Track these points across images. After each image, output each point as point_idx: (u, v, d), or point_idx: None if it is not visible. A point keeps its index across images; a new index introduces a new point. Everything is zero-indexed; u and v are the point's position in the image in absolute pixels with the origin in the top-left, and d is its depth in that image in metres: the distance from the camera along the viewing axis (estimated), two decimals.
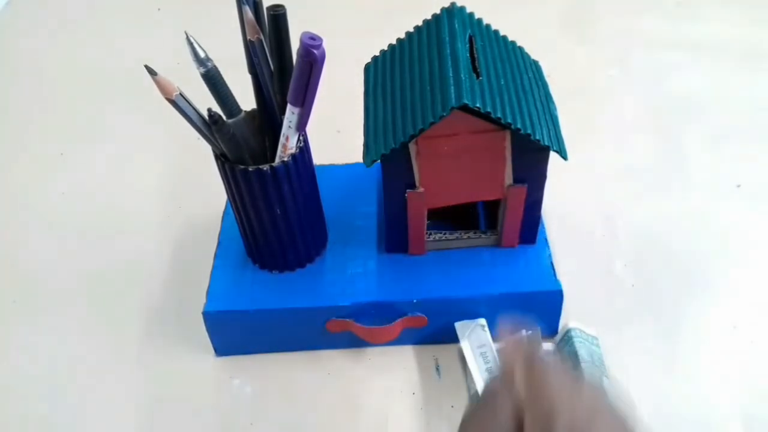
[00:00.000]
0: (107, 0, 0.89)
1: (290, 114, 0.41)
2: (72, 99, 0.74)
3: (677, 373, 0.47)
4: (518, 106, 0.42)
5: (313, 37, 0.37)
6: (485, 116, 0.40)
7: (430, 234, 0.49)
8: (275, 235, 0.46)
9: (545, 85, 0.47)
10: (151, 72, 0.37)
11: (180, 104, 0.39)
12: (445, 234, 0.49)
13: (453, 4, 0.46)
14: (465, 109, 0.39)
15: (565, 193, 0.54)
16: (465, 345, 0.46)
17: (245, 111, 0.43)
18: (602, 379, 0.41)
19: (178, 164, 0.65)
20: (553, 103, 0.46)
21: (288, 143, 0.43)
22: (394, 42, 0.48)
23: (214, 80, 0.40)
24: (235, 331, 0.48)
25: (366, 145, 0.44)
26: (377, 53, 0.49)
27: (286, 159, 0.43)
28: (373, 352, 0.50)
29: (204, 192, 0.57)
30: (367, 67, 0.49)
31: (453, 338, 0.47)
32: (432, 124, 0.40)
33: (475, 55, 0.43)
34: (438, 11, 0.46)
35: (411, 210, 0.46)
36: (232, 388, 0.48)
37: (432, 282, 0.48)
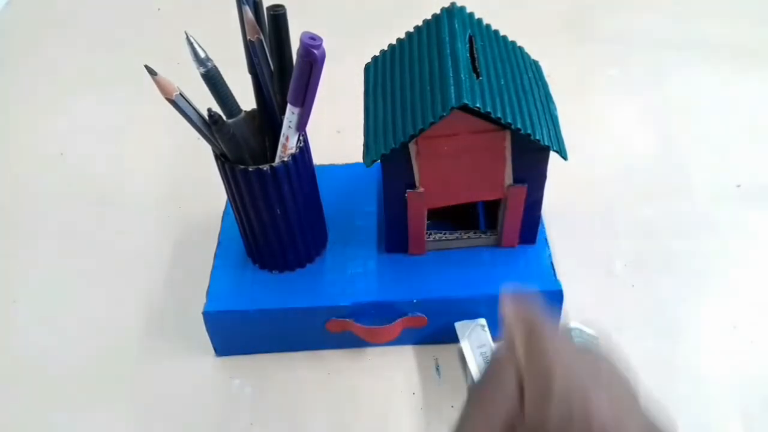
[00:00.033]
0: (107, 0, 0.89)
1: (290, 114, 0.41)
2: (72, 99, 0.74)
3: (677, 373, 0.47)
4: (518, 106, 0.42)
5: (313, 37, 0.37)
6: (485, 116, 0.40)
7: (430, 234, 0.49)
8: (275, 235, 0.46)
9: (545, 85, 0.47)
10: (151, 72, 0.37)
11: (180, 104, 0.39)
12: (445, 234, 0.49)
13: (453, 4, 0.46)
14: (465, 109, 0.39)
15: (565, 193, 0.54)
16: (465, 345, 0.46)
17: (245, 111, 0.43)
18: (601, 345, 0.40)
19: (178, 164, 0.65)
20: (553, 103, 0.46)
21: (288, 143, 0.43)
22: (394, 42, 0.48)
23: (214, 80, 0.40)
24: (235, 331, 0.48)
25: (366, 145, 0.44)
26: (377, 53, 0.49)
27: (286, 159, 0.43)
28: (373, 352, 0.50)
29: (204, 192, 0.57)
30: (367, 67, 0.49)
31: (453, 338, 0.47)
32: (432, 124, 0.40)
33: (475, 55, 0.43)
34: (438, 11, 0.46)
35: (411, 210, 0.46)
36: (232, 388, 0.48)
37: (432, 282, 0.48)
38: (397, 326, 0.47)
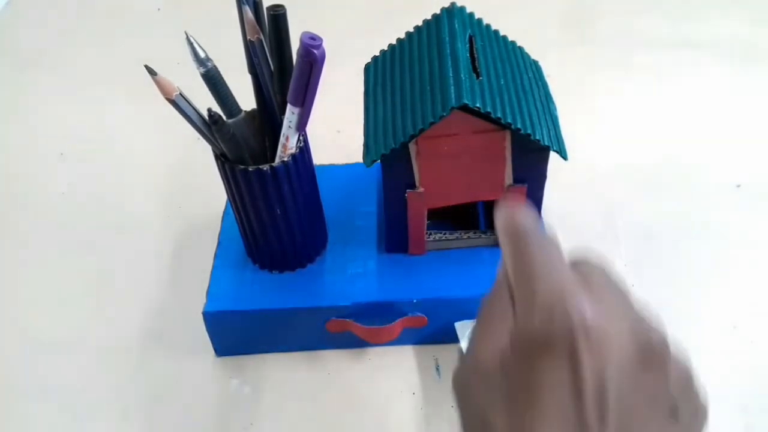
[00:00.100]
0: (107, 0, 0.89)
1: (290, 114, 0.41)
2: (72, 98, 0.74)
3: None
4: (518, 106, 0.42)
5: (313, 37, 0.37)
6: (485, 116, 0.40)
7: (430, 234, 0.49)
8: (275, 235, 0.46)
9: (545, 85, 0.47)
10: (151, 72, 0.37)
11: (180, 104, 0.39)
12: (445, 234, 0.49)
13: (453, 4, 0.46)
14: (465, 109, 0.39)
15: (565, 193, 0.54)
16: (465, 345, 0.46)
17: (245, 111, 0.43)
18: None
19: (178, 164, 0.65)
20: (553, 103, 0.46)
21: (288, 143, 0.43)
22: (394, 42, 0.48)
23: (214, 80, 0.40)
24: (235, 331, 0.48)
25: (366, 145, 0.44)
26: (377, 53, 0.49)
27: (286, 159, 0.43)
28: (373, 352, 0.50)
29: (204, 192, 0.57)
30: (367, 67, 0.49)
31: (453, 338, 0.47)
32: (432, 124, 0.40)
33: (475, 55, 0.43)
34: (438, 11, 0.46)
35: (411, 210, 0.46)
36: (231, 388, 0.48)
37: (432, 282, 0.48)
38: (397, 326, 0.47)
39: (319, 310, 0.47)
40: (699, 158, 0.63)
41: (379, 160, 0.42)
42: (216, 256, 0.50)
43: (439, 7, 0.46)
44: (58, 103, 0.74)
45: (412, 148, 0.42)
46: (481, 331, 0.28)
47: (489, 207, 0.50)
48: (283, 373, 0.49)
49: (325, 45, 0.37)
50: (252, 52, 0.41)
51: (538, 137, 0.41)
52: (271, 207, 0.44)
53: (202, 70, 0.39)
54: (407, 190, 0.45)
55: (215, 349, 0.50)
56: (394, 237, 0.49)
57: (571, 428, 0.22)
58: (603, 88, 0.71)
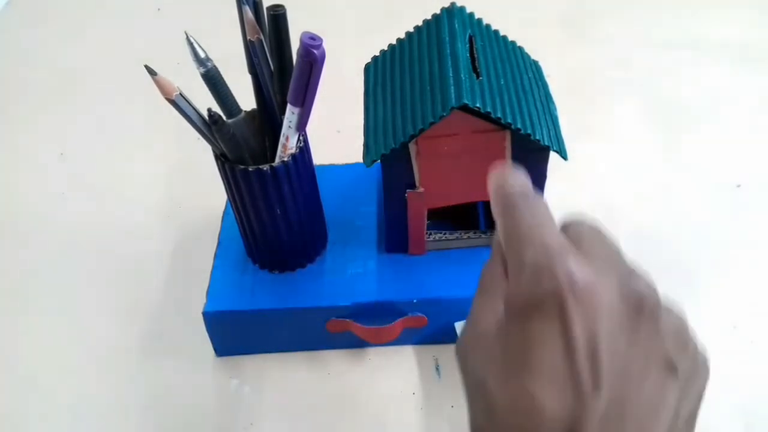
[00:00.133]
0: (107, 0, 0.89)
1: (290, 114, 0.41)
2: (72, 99, 0.74)
3: None
4: (518, 106, 0.42)
5: (313, 37, 0.37)
6: (485, 116, 0.40)
7: (430, 234, 0.49)
8: (275, 235, 0.46)
9: (545, 85, 0.47)
10: (151, 72, 0.37)
11: (180, 104, 0.39)
12: (445, 234, 0.49)
13: (453, 4, 0.46)
14: (465, 109, 0.39)
15: (565, 193, 0.54)
16: None
17: (245, 111, 0.43)
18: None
19: (178, 164, 0.65)
20: (553, 103, 0.46)
21: (288, 143, 0.43)
22: (394, 42, 0.48)
23: (214, 80, 0.40)
24: (235, 331, 0.48)
25: (366, 145, 0.44)
26: (377, 53, 0.49)
27: (286, 159, 0.43)
28: (373, 352, 0.50)
29: (204, 192, 0.57)
30: (367, 67, 0.49)
31: (453, 338, 0.47)
32: (432, 124, 0.40)
33: (475, 55, 0.43)
34: (438, 11, 0.46)
35: (411, 210, 0.46)
36: (231, 388, 0.48)
37: (432, 282, 0.48)
38: (397, 326, 0.47)
39: (319, 310, 0.47)
40: (699, 158, 0.63)
41: (379, 160, 0.42)
42: (216, 256, 0.50)
43: (439, 7, 0.46)
44: (58, 103, 0.74)
45: (412, 148, 0.42)
46: (479, 299, 0.28)
47: (489, 207, 0.50)
48: (283, 373, 0.49)
49: (325, 45, 0.37)
50: (252, 52, 0.41)
51: (538, 137, 0.41)
52: (271, 207, 0.44)
53: (202, 70, 0.39)
54: (407, 190, 0.45)
55: (215, 349, 0.50)
56: (394, 237, 0.49)
57: (565, 386, 0.22)
58: (603, 88, 0.71)
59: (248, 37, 0.40)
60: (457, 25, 0.44)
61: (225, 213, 0.53)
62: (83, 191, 0.64)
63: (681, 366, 0.24)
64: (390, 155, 0.42)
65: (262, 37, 0.40)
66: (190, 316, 0.48)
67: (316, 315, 0.47)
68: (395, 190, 0.45)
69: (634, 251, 0.57)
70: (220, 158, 0.43)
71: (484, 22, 0.47)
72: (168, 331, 0.52)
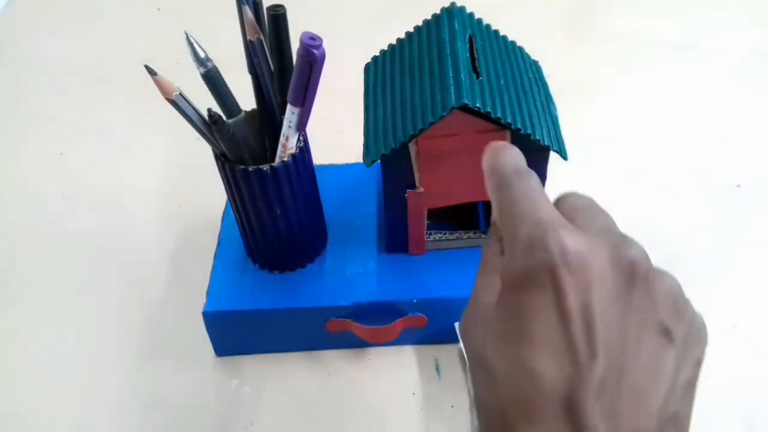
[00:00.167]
0: (107, 0, 0.89)
1: (290, 114, 0.41)
2: (72, 98, 0.74)
3: None
4: (518, 106, 0.42)
5: (313, 37, 0.37)
6: (485, 116, 0.40)
7: (430, 234, 0.49)
8: (275, 235, 0.46)
9: (545, 85, 0.47)
10: (151, 72, 0.37)
11: (180, 104, 0.39)
12: (445, 234, 0.49)
13: (453, 4, 0.46)
14: (465, 109, 0.39)
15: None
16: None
17: (245, 111, 0.43)
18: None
19: (178, 164, 0.65)
20: (553, 103, 0.46)
21: (288, 143, 0.43)
22: (394, 42, 0.48)
23: (214, 80, 0.40)
24: (235, 331, 0.48)
25: (366, 145, 0.44)
26: (377, 53, 0.49)
27: (286, 159, 0.43)
28: (373, 352, 0.50)
29: (204, 192, 0.57)
30: (367, 67, 0.49)
31: (453, 338, 0.47)
32: (432, 124, 0.40)
33: (475, 55, 0.43)
34: (438, 11, 0.46)
35: (411, 210, 0.46)
36: (231, 388, 0.48)
37: (432, 282, 0.48)
38: (397, 326, 0.47)
39: (319, 310, 0.47)
40: (699, 158, 0.63)
41: (379, 160, 0.42)
42: (216, 256, 0.50)
43: (439, 7, 0.46)
44: (58, 103, 0.74)
45: (412, 148, 0.42)
46: (480, 278, 0.29)
47: (489, 207, 0.50)
48: (283, 373, 0.49)
49: (325, 45, 0.37)
50: (252, 52, 0.41)
51: (538, 137, 0.41)
52: (271, 207, 0.44)
53: (202, 70, 0.39)
54: (407, 190, 0.45)
55: (215, 349, 0.50)
56: (394, 237, 0.49)
57: (562, 356, 0.22)
58: (603, 87, 0.71)
59: (248, 37, 0.40)
60: (457, 25, 0.44)
61: (225, 213, 0.53)
62: (83, 191, 0.64)
63: (676, 331, 0.25)
64: (390, 155, 0.42)
65: (262, 37, 0.40)
66: (190, 316, 0.48)
67: (316, 315, 0.47)
68: (395, 190, 0.45)
69: None
70: (220, 158, 0.43)
71: (484, 22, 0.47)
72: (168, 331, 0.52)
